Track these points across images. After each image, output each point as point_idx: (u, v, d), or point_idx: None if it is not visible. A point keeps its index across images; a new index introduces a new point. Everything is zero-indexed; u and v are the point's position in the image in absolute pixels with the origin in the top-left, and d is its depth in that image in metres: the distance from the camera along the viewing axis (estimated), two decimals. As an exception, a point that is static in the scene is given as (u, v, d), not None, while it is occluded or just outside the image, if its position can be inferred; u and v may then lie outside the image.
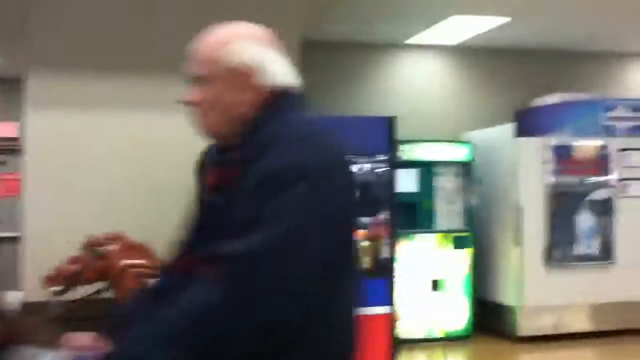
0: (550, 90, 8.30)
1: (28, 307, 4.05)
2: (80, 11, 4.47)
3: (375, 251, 5.73)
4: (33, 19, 4.39)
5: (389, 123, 5.52)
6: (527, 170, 7.28)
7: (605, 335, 7.35)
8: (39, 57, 4.39)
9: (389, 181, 5.61)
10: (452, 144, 7.64)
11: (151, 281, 3.69)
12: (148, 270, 3.78)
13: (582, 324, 7.40)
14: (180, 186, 3.97)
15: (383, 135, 5.50)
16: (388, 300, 5.45)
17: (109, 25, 4.50)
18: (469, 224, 7.60)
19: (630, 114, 7.59)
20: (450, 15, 7.20)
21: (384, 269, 5.58)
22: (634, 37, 8.56)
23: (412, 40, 8.27)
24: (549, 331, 7.27)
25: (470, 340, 7.39)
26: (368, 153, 5.81)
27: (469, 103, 8.72)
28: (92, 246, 3.81)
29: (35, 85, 4.35)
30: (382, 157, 5.68)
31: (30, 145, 4.31)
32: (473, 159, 7.62)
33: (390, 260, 5.59)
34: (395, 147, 5.58)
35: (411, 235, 7.29)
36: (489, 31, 7.79)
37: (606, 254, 7.47)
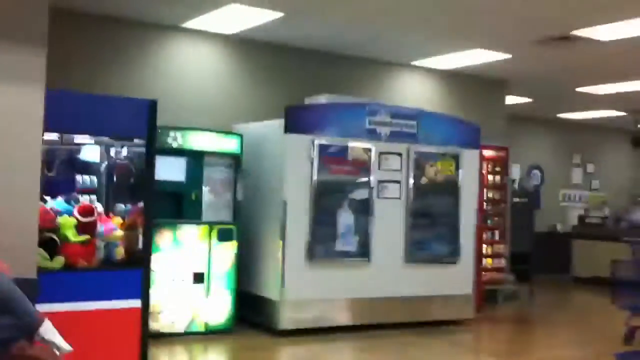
0: (320, 90, 8.54)
1: None
2: None
3: (130, 241, 5.47)
4: None
5: (149, 107, 5.26)
6: (293, 167, 7.38)
7: (362, 329, 7.67)
8: None
9: (148, 168, 5.36)
10: (222, 134, 7.55)
11: None
12: None
13: (340, 318, 7.66)
14: None
15: (142, 119, 5.24)
16: (141, 293, 5.21)
17: None
18: (235, 217, 7.56)
19: (390, 120, 7.98)
20: (229, 3, 7.12)
21: (139, 260, 5.34)
22: (402, 48, 9.07)
23: (188, 25, 8.09)
24: (309, 325, 7.45)
25: (231, 334, 7.35)
26: (125, 137, 5.54)
27: (241, 95, 8.72)
28: None
29: None
30: (140, 143, 5.42)
31: None
32: (242, 152, 7.58)
33: (146, 251, 5.35)
34: (155, 132, 5.34)
35: (175, 226, 7.10)
36: (266, 25, 7.83)
37: (363, 251, 7.79)
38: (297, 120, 7.44)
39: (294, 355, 7.13)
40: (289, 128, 7.38)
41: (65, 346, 3.71)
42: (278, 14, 7.47)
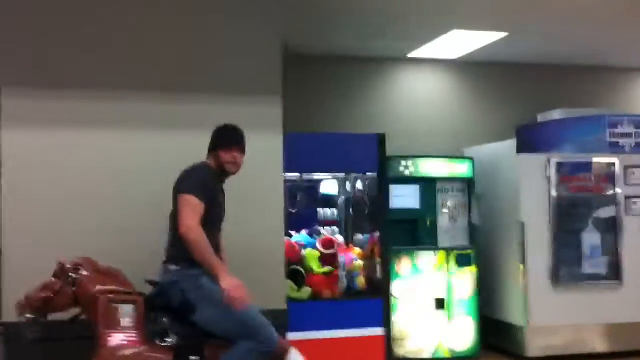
0: (552, 105, 8.19)
1: (8, 328, 4.03)
2: (47, 26, 4.46)
3: (370, 270, 5.65)
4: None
5: (378, 140, 5.45)
6: (529, 187, 7.15)
7: (616, 357, 7.16)
8: (10, 76, 4.39)
9: (381, 198, 5.52)
10: (454, 159, 7.54)
11: (122, 306, 3.70)
12: (119, 296, 3.75)
13: (593, 344, 7.22)
14: (155, 208, 3.95)
15: (373, 152, 5.42)
16: (383, 321, 5.34)
17: (79, 43, 4.49)
18: (472, 241, 7.48)
19: (635, 130, 7.43)
20: (451, 29, 7.15)
21: (379, 289, 5.48)
22: (638, 52, 8.44)
23: (412, 55, 8.22)
24: (559, 352, 7.10)
25: (477, 360, 7.26)
26: (358, 170, 5.76)
27: (470, 118, 8.63)
28: (63, 272, 3.78)
29: (9, 104, 4.35)
30: (372, 175, 5.61)
31: (7, 162, 4.30)
32: (474, 175, 7.51)
33: (385, 279, 5.49)
34: (385, 164, 5.50)
35: (413, 253, 7.20)
36: (490, 45, 7.72)
37: (614, 273, 7.29)
38: (529, 140, 7.23)
39: (544, 383, 6.85)
40: (521, 148, 7.19)
41: (312, 372, 3.92)
42: (502, 34, 7.35)
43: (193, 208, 3.79)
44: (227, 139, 4.11)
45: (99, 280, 3.79)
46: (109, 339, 3.65)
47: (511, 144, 7.29)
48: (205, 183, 3.94)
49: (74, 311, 3.85)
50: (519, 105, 8.62)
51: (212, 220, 3.95)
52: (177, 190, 3.93)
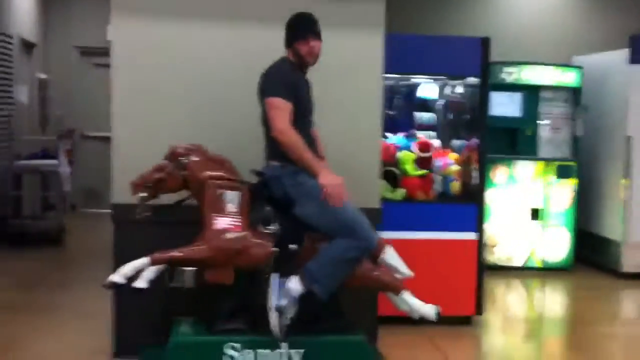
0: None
1: (117, 208, 4.29)
2: None
3: (465, 176, 5.64)
4: None
5: (482, 44, 5.30)
6: (639, 100, 6.86)
7: None
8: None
9: (482, 105, 5.44)
10: (560, 68, 7.28)
11: (229, 193, 3.86)
12: (227, 182, 3.90)
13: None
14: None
15: (476, 57, 5.30)
16: (476, 226, 5.37)
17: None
18: (575, 153, 7.31)
19: None
20: None
21: (474, 195, 5.49)
22: None
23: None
24: (655, 269, 7.00)
25: (570, 272, 7.23)
26: (459, 75, 5.65)
27: (581, 25, 8.25)
28: (175, 156, 3.94)
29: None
30: (474, 80, 5.50)
31: (116, 51, 4.45)
32: (582, 85, 7.24)
33: (481, 185, 5.48)
34: (488, 70, 5.37)
35: (511, 162, 7.11)
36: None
37: None
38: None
39: (637, 300, 6.77)
40: (634, 59, 6.85)
41: (406, 271, 4.01)
42: None
43: (282, 110, 3.81)
44: (301, 30, 3.98)
45: (208, 166, 3.93)
46: (214, 222, 3.81)
47: (624, 53, 6.96)
48: (287, 81, 3.90)
49: (182, 194, 4.04)
50: (634, 12, 8.14)
51: (302, 115, 3.95)
52: (262, 94, 3.94)
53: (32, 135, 8.95)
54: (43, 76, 9.72)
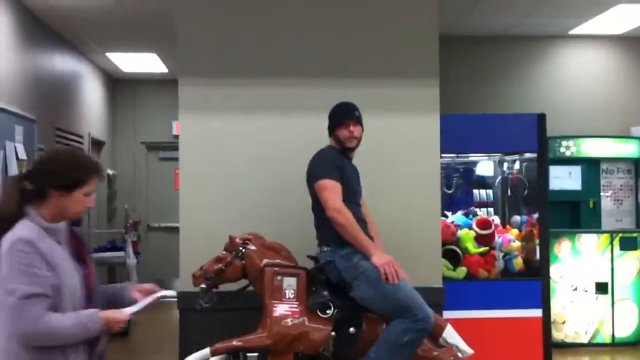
0: None
1: (183, 295, 4.40)
2: (227, 18, 4.77)
3: (528, 252, 5.61)
4: (180, 28, 4.75)
5: (538, 120, 5.38)
6: (702, 167, 6.77)
7: None
8: (188, 64, 4.74)
9: (541, 179, 5.46)
10: (620, 139, 7.26)
11: (287, 279, 3.94)
12: (284, 269, 3.99)
13: None
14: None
15: (532, 132, 5.36)
16: (542, 303, 5.29)
17: (255, 34, 4.76)
18: (638, 224, 7.18)
19: None
20: (615, 4, 6.84)
21: (537, 270, 5.43)
22: None
23: (573, 32, 7.92)
24: None
25: (639, 347, 6.99)
26: (516, 151, 5.71)
27: (636, 96, 8.19)
28: (233, 246, 4.07)
29: (185, 90, 4.70)
30: (531, 155, 5.54)
31: (184, 145, 4.67)
32: (643, 155, 7.19)
33: (543, 261, 5.43)
34: (545, 144, 5.43)
35: (574, 235, 7.02)
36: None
37: None
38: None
39: None
40: (694, 126, 6.81)
41: (467, 349, 3.97)
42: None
43: (333, 190, 3.92)
44: (339, 116, 4.12)
45: (265, 254, 4.05)
46: (273, 308, 3.89)
47: (682, 122, 6.91)
48: (334, 163, 4.01)
49: (242, 282, 4.14)
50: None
51: (350, 198, 4.03)
52: (311, 180, 4.06)
53: (100, 229, 9.27)
54: (111, 172, 10.14)
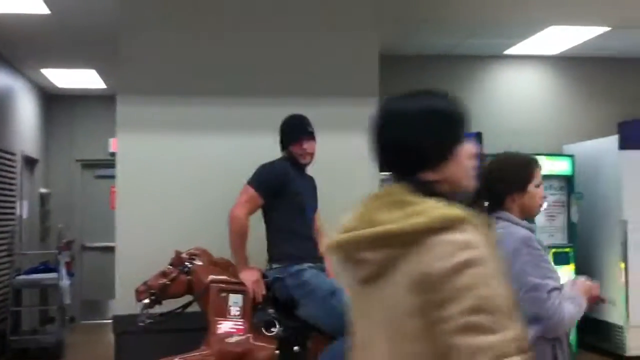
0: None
1: (118, 319, 4.30)
2: (169, 37, 4.74)
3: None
4: (121, 46, 4.69)
5: (475, 139, 5.45)
6: (632, 184, 6.97)
7: None
8: (127, 82, 4.68)
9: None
10: (553, 157, 7.43)
11: (232, 296, 3.89)
12: (230, 286, 3.94)
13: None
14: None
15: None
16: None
17: (195, 53, 4.74)
18: (571, 240, 7.35)
19: None
20: (548, 26, 7.04)
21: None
22: None
23: (508, 52, 8.12)
24: (660, 352, 6.92)
25: (574, 357, 7.12)
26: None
27: (569, 115, 8.43)
28: (179, 261, 4.00)
29: (124, 108, 4.64)
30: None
31: (121, 163, 4.59)
32: (574, 173, 7.37)
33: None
34: (482, 162, 5.51)
35: (510, 252, 7.13)
36: (589, 40, 7.54)
37: None
38: (632, 135, 7.05)
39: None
40: (624, 144, 7.01)
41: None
42: (604, 29, 7.15)
43: (249, 200, 3.94)
44: (293, 133, 4.11)
45: (212, 270, 3.99)
46: (218, 325, 3.84)
47: (613, 140, 7.12)
48: (272, 181, 4.01)
49: (184, 299, 4.06)
50: (620, 100, 8.37)
51: (292, 209, 4.02)
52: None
53: (33, 249, 8.99)
54: (44, 190, 9.86)
